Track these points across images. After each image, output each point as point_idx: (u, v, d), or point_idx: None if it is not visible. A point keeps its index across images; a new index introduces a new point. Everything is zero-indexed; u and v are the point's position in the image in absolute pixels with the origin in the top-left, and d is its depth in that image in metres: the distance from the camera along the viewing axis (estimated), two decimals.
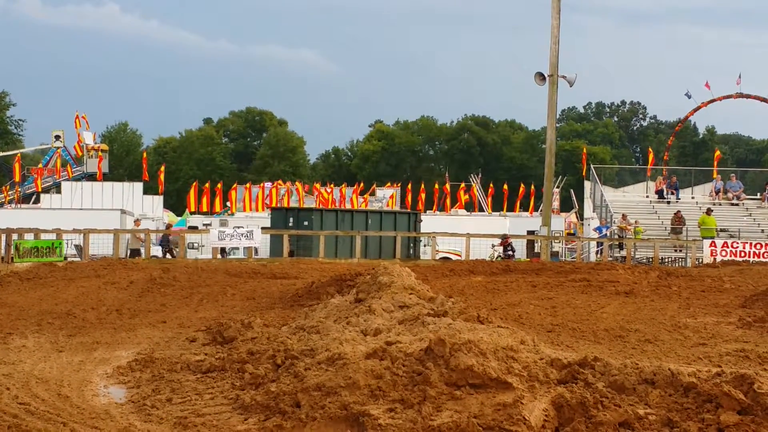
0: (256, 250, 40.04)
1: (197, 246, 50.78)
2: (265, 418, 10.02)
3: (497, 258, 41.65)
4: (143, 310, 21.91)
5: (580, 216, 62.53)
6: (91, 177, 73.07)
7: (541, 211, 48.55)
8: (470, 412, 9.06)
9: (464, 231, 42.04)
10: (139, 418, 10.56)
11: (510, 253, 42.58)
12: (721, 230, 45.59)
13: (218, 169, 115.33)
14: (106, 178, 73.72)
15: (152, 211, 65.05)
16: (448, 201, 77.87)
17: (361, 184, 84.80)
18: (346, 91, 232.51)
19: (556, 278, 29.08)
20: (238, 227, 41.62)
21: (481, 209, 78.21)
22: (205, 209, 68.13)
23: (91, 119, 79.71)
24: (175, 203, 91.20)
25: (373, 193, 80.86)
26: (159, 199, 68.41)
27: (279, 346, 12.75)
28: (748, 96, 68.17)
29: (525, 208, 76.24)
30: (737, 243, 40.17)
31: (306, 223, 45.79)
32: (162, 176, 69.35)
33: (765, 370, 12.21)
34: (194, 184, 71.94)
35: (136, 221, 46.14)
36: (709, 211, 45.30)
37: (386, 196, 78.91)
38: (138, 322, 19.85)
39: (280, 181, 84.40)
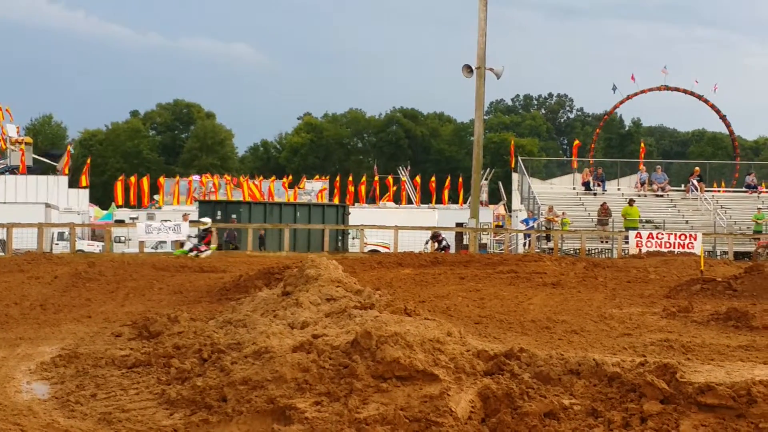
0: (183, 243, 39.75)
1: (124, 240, 50.36)
2: (191, 412, 9.92)
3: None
4: (68, 305, 21.63)
5: (508, 208, 63.04)
6: (14, 170, 71.93)
7: (469, 203, 48.75)
8: (397, 405, 9.04)
9: (393, 223, 42.09)
10: (62, 414, 10.40)
11: (444, 245, 42.61)
12: (647, 221, 46.14)
13: (145, 162, 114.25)
14: (29, 171, 72.58)
15: (77, 204, 64.22)
16: (377, 193, 77.98)
17: (290, 177, 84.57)
18: (275, 83, 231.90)
19: (484, 270, 29.22)
20: (166, 221, 41.33)
21: (409, 202, 78.36)
22: (132, 203, 67.52)
23: (14, 112, 78.43)
24: (102, 197, 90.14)
25: (302, 186, 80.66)
26: (84, 193, 67.52)
27: (205, 340, 12.64)
28: (673, 89, 69.10)
29: (454, 200, 76.56)
30: (662, 234, 40.63)
31: (234, 216, 45.60)
32: (87, 169, 68.44)
33: (688, 359, 12.35)
34: (121, 177, 71.26)
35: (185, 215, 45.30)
36: (631, 202, 45.79)
37: (315, 189, 78.80)
38: (62, 317, 19.60)
39: (208, 174, 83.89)
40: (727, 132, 78.17)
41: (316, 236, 44.03)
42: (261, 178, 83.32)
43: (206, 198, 65.21)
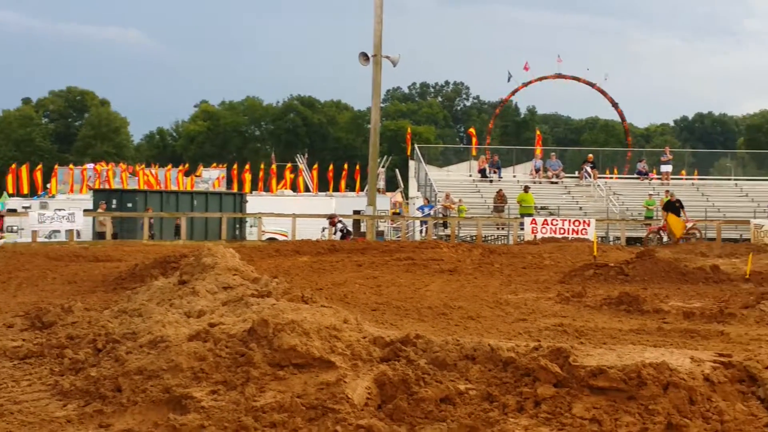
0: (78, 232, 39.15)
1: (16, 229, 49.42)
2: (85, 403, 9.79)
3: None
4: None
5: (405, 195, 63.29)
6: None
7: (366, 190, 48.84)
8: (294, 392, 9.04)
9: (290, 211, 41.99)
10: None
11: (344, 234, 42.44)
12: (542, 208, 46.75)
13: (38, 150, 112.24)
14: None
15: None
16: (274, 181, 77.69)
17: (187, 165, 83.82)
18: (171, 71, 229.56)
19: (381, 257, 29.31)
20: (59, 210, 40.65)
21: (307, 189, 78.22)
22: (24, 191, 66.29)
23: None
24: None
25: (198, 174, 79.99)
26: None
27: (100, 330, 12.47)
28: (566, 77, 70.11)
29: (351, 187, 76.65)
30: (557, 220, 41.20)
31: (130, 204, 45.08)
32: None
33: (581, 343, 12.54)
34: (12, 165, 69.87)
35: (101, 204, 44.12)
36: (526, 189, 46.33)
37: (212, 177, 78.22)
38: None
39: (103, 162, 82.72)
40: (620, 119, 79.64)
41: (214, 225, 43.73)
42: (157, 166, 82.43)
43: (101, 186, 64.30)
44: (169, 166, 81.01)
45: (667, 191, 45.91)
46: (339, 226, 42.23)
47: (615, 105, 73.63)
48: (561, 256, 29.61)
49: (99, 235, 39.74)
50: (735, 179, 56.87)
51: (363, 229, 46.09)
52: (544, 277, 24.56)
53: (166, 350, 10.16)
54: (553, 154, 56.31)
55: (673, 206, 41.12)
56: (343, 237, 41.20)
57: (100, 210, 42.39)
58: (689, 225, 41.93)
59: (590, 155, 55.45)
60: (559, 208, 47.51)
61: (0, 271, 25.67)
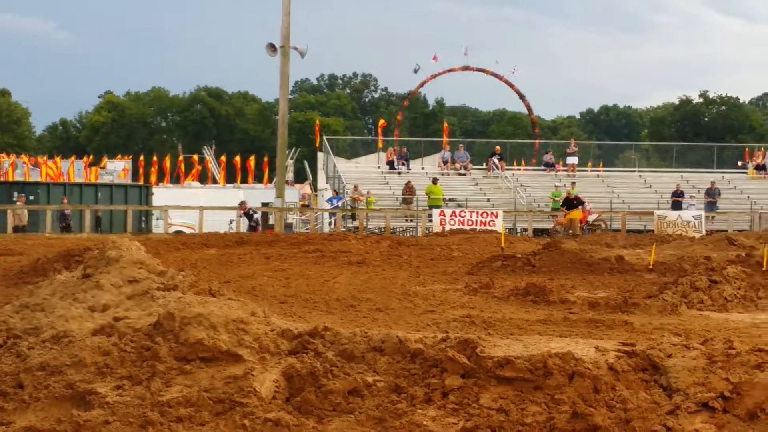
0: None
1: None
2: None
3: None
4: None
5: (314, 187, 63.20)
6: None
7: (275, 182, 48.66)
8: (201, 386, 8.96)
9: (198, 204, 41.66)
10: None
11: (254, 224, 42.16)
12: (450, 200, 47.02)
13: None
14: None
15: None
16: (181, 173, 77.02)
17: (91, 157, 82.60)
18: (75, 60, 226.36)
19: (289, 249, 29.22)
20: None
21: (215, 181, 77.69)
22: None
23: None
24: None
25: (103, 166, 78.92)
26: None
27: (1, 325, 12.23)
28: (474, 69, 70.61)
29: (259, 179, 76.30)
30: (465, 212, 41.48)
31: (32, 197, 44.35)
32: None
33: (489, 334, 12.62)
34: None
35: (20, 198, 42.94)
36: (435, 181, 46.58)
37: (117, 169, 77.21)
38: None
39: (3, 154, 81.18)
40: (527, 112, 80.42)
41: (119, 217, 43.21)
42: (60, 157, 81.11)
43: (2, 179, 63.12)
44: (73, 158, 79.73)
45: (573, 183, 46.55)
46: (255, 216, 41.91)
47: (522, 97, 74.42)
48: (469, 247, 29.81)
49: (16, 229, 38.97)
50: (639, 171, 57.87)
51: (271, 221, 45.90)
52: (453, 268, 24.69)
53: (69, 345, 9.99)
54: (461, 145, 56.70)
55: (572, 203, 41.71)
56: (251, 228, 40.96)
57: (19, 203, 41.57)
58: (594, 216, 42.54)
59: (498, 147, 55.93)
60: (467, 199, 47.85)
61: None
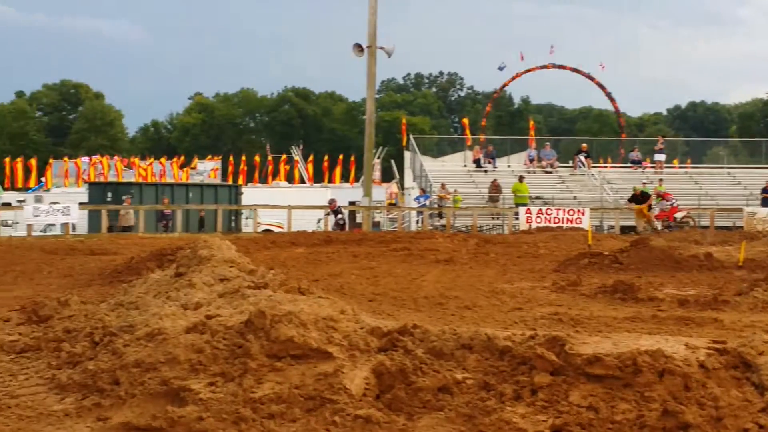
0: (73, 226, 39.14)
1: (11, 223, 49.41)
2: (82, 397, 9.82)
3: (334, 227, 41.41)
4: None
5: (401, 186, 63.24)
6: None
7: (362, 181, 48.85)
8: (291, 383, 9.06)
9: (286, 203, 41.97)
10: None
11: (341, 222, 42.29)
12: (536, 197, 46.78)
13: (32, 143, 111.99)
14: None
15: None
16: (269, 173, 77.60)
17: (182, 158, 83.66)
18: (165, 63, 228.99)
19: (377, 248, 29.32)
20: (55, 203, 40.65)
21: (302, 181, 78.13)
22: (19, 185, 66.18)
23: None
24: None
25: (194, 167, 79.87)
26: None
27: (97, 323, 12.48)
28: (560, 66, 70.08)
29: (346, 179, 76.55)
30: (551, 210, 41.25)
31: (125, 197, 45.05)
32: None
33: (577, 331, 12.57)
34: (7, 159, 69.76)
35: (127, 199, 43.89)
36: (521, 179, 46.38)
37: (207, 170, 78.09)
38: None
39: (98, 156, 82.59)
40: (613, 109, 79.64)
41: (209, 217, 43.72)
42: (152, 158, 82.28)
43: (96, 180, 64.21)
44: (164, 159, 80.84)
45: (661, 180, 46.02)
46: (339, 216, 42.05)
47: (608, 95, 73.66)
48: (556, 245, 29.64)
49: (124, 229, 39.62)
50: (728, 167, 56.92)
51: (359, 219, 46.08)
52: (540, 266, 24.60)
53: (163, 343, 10.17)
54: (548, 143, 56.35)
55: (637, 199, 41.25)
56: (337, 226, 41.14)
57: (125, 203, 42.27)
58: (682, 213, 42.04)
59: (584, 144, 55.48)
60: (554, 197, 47.55)
61: None
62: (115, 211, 42.10)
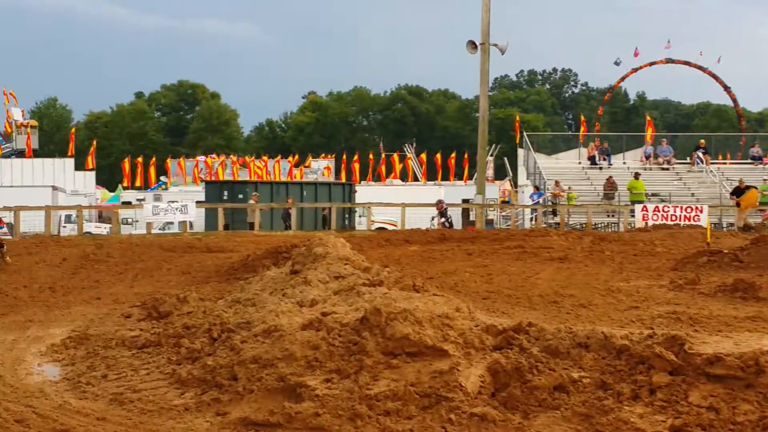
0: (191, 224, 39.81)
1: (131, 221, 50.49)
2: (201, 392, 10.00)
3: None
4: (77, 287, 21.70)
5: (514, 183, 62.93)
6: (20, 154, 72.02)
7: (475, 179, 48.71)
8: (407, 381, 9.10)
9: (399, 201, 42.06)
10: (74, 396, 10.48)
11: (446, 223, 42.24)
12: (653, 195, 46.12)
13: (151, 143, 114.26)
14: (36, 154, 72.65)
15: (84, 187, 64.36)
16: (383, 171, 77.90)
17: (296, 156, 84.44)
18: (279, 62, 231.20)
19: (491, 246, 29.21)
20: (173, 201, 41.40)
21: (415, 179, 78.23)
22: (138, 184, 67.54)
23: (19, 95, 78.49)
24: (108, 179, 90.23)
25: (308, 165, 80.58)
26: (91, 175, 67.63)
27: (215, 319, 12.70)
28: (676, 61, 68.91)
29: (459, 176, 76.46)
30: (668, 207, 40.60)
31: (241, 196, 45.65)
32: (93, 151, 68.41)
33: (696, 331, 12.39)
34: (127, 159, 71.26)
35: (254, 196, 44.78)
36: (637, 176, 45.77)
37: (321, 168, 78.75)
38: (72, 299, 19.68)
39: (214, 155, 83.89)
40: (732, 104, 78.05)
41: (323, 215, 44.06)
42: (267, 157, 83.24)
43: (212, 179, 65.22)
44: (279, 158, 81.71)
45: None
46: (444, 219, 41.98)
47: (727, 89, 72.13)
48: (673, 243, 29.15)
49: (250, 226, 40.18)
50: None
51: (472, 217, 45.96)
52: (656, 264, 24.24)
53: (280, 339, 10.29)
54: (664, 140, 55.49)
55: (741, 191, 40.15)
56: (444, 226, 41.11)
57: (252, 201, 42.87)
58: None
59: (702, 141, 54.53)
60: (671, 194, 46.80)
61: (117, 262, 26.23)
62: (233, 209, 42.67)
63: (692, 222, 38.55)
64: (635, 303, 16.97)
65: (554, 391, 8.76)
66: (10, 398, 10.22)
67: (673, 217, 39.33)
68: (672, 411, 8.19)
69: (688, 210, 39.84)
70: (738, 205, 39.52)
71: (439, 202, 42.49)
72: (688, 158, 53.46)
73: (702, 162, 51.27)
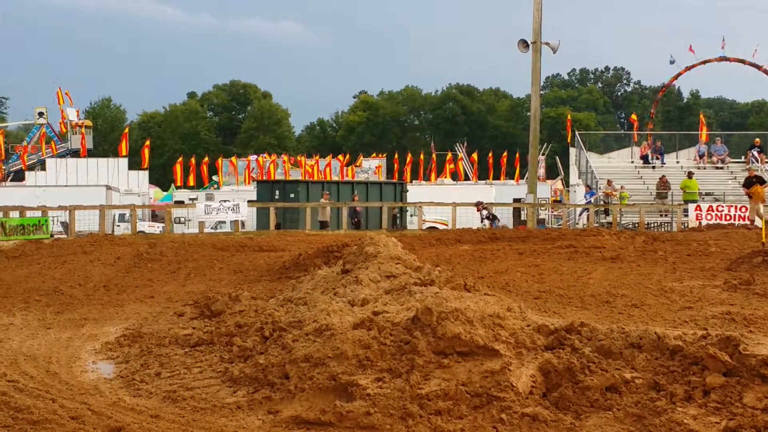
0: (242, 223, 40.00)
1: (184, 220, 50.84)
2: (254, 390, 10.06)
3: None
4: (131, 285, 21.89)
5: (566, 183, 62.62)
6: (75, 153, 72.80)
7: (526, 178, 48.56)
8: (458, 380, 9.10)
9: (450, 200, 42.00)
10: (128, 393, 10.59)
11: (487, 222, 42.07)
12: (707, 194, 45.70)
13: (203, 143, 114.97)
14: (90, 154, 73.40)
15: (138, 186, 64.95)
16: (434, 170, 77.82)
17: (347, 156, 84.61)
18: (330, 62, 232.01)
19: (542, 245, 29.12)
20: (225, 201, 41.61)
21: (467, 178, 78.07)
22: (191, 183, 67.98)
23: (74, 95, 79.31)
24: (161, 178, 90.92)
25: (359, 164, 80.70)
26: (144, 175, 68.23)
27: (266, 318, 12.76)
28: (731, 59, 68.22)
29: (510, 176, 76.20)
30: (722, 206, 40.21)
31: (292, 195, 45.80)
32: (146, 151, 68.90)
33: (751, 332, 12.27)
34: (180, 158, 71.74)
35: (325, 194, 45.09)
36: (690, 175, 45.36)
37: (372, 167, 78.84)
38: (125, 297, 19.86)
39: (266, 154, 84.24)
40: None
41: (374, 214, 44.09)
42: (318, 156, 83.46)
43: (264, 178, 65.51)
44: (330, 157, 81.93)
45: None
46: (484, 213, 41.93)
47: None
48: (727, 242, 28.86)
49: (322, 225, 40.35)
50: None
51: (523, 217, 45.81)
52: (710, 264, 24.02)
53: (331, 338, 10.33)
54: (718, 138, 54.93)
55: (751, 181, 39.51)
56: (492, 223, 41.07)
57: (323, 200, 43.04)
58: None
59: (757, 139, 53.91)
60: (725, 194, 46.34)
61: (170, 261, 26.42)
62: (284, 208, 42.84)
63: (746, 222, 38.14)
64: (689, 303, 16.84)
65: (606, 392, 8.73)
66: (65, 395, 10.35)
67: (728, 217, 38.94)
68: (726, 412, 8.13)
69: (743, 210, 39.43)
70: (750, 197, 39.12)
71: (478, 203, 42.44)
72: (743, 157, 52.92)
73: (757, 161, 50.70)
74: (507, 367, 9.16)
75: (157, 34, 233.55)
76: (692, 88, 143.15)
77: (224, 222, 42.85)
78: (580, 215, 45.90)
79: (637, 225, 40.96)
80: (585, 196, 48.08)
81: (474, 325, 9.86)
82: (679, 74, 71.45)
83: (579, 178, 52.38)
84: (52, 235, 35.59)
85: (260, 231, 38.50)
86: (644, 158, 51.75)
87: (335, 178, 67.82)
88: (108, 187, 56.85)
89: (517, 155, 75.35)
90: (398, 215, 46.73)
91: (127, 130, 77.60)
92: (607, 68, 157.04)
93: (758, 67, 68.60)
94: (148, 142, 72.52)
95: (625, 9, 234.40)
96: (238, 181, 70.89)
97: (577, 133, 55.67)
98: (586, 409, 8.62)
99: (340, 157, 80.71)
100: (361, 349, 9.95)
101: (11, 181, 71.60)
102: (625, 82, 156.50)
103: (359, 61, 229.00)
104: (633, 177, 49.92)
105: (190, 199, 57.11)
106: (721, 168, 51.22)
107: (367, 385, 9.24)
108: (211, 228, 43.09)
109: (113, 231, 43.04)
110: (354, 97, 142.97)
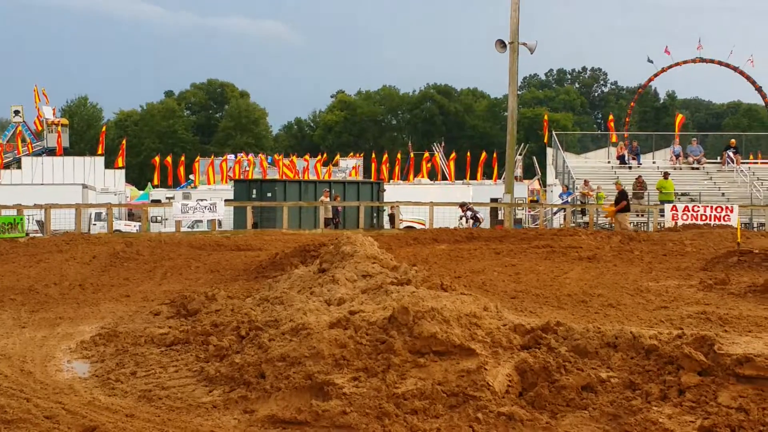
0: (219, 222, 39.92)
1: (161, 219, 50.71)
2: (230, 389, 10.03)
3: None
4: (106, 284, 21.80)
5: (543, 183, 62.76)
6: (51, 152, 72.47)
7: (504, 178, 48.63)
8: (434, 379, 9.10)
9: (427, 200, 42.04)
10: (103, 392, 10.54)
11: (470, 221, 42.30)
12: (682, 194, 45.90)
13: (180, 142, 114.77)
14: (66, 152, 73.08)
15: (114, 185, 64.72)
16: (411, 170, 77.89)
17: (324, 155, 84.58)
18: (308, 61, 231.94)
19: (519, 245, 29.17)
20: (201, 200, 41.52)
21: (444, 178, 78.17)
22: (168, 183, 67.83)
23: (50, 93, 78.95)
24: (138, 177, 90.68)
25: (336, 164, 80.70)
26: (121, 173, 68.02)
27: (243, 317, 12.73)
28: (707, 60, 68.54)
29: (488, 175, 76.37)
30: (698, 207, 40.37)
31: (269, 194, 45.71)
32: (123, 150, 68.71)
33: (726, 331, 12.32)
34: (156, 157, 71.56)
35: (325, 192, 44.88)
36: (666, 175, 45.52)
37: (349, 167, 78.87)
38: (101, 296, 19.76)
39: (243, 153, 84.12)
40: (763, 103, 77.55)
41: (351, 213, 44.08)
42: (295, 156, 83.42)
43: (241, 177, 65.41)
44: (307, 156, 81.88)
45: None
46: (468, 214, 42.15)
47: (759, 89, 71.67)
48: (703, 242, 28.99)
49: (326, 222, 40.27)
50: None
51: (500, 216, 45.90)
52: (686, 264, 24.12)
53: (307, 337, 10.31)
54: (694, 139, 55.18)
55: (618, 198, 38.58)
56: (474, 224, 41.28)
57: (323, 198, 42.95)
58: None
59: (733, 140, 54.20)
60: (701, 194, 46.55)
61: (146, 260, 26.34)
62: (261, 207, 42.79)
63: (722, 222, 38.31)
64: (664, 303, 16.89)
65: (582, 391, 8.74)
66: (39, 394, 10.29)
67: (703, 217, 39.11)
68: (701, 411, 8.16)
69: (719, 210, 39.60)
70: None
71: (463, 204, 42.59)
72: (719, 158, 53.18)
73: (732, 162, 50.96)
74: (483, 366, 9.16)
75: (135, 32, 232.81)
76: (669, 89, 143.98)
77: (201, 221, 42.75)
78: (554, 214, 45.98)
79: (613, 225, 41.10)
80: (561, 196, 48.18)
81: (450, 325, 9.86)
82: (656, 75, 71.75)
83: (556, 178, 52.53)
84: (27, 234, 35.39)
85: (237, 230, 38.44)
86: (621, 158, 51.93)
87: (312, 177, 67.79)
88: (84, 186, 56.62)
89: (495, 155, 75.60)
90: (375, 215, 46.75)
91: (104, 129, 77.28)
92: (584, 69, 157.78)
93: (735, 69, 68.93)
94: (125, 141, 72.30)
95: (603, 10, 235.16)
96: (211, 180, 70.64)
97: (554, 133, 55.80)
98: (562, 408, 8.64)
99: (318, 156, 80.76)
100: (338, 348, 9.93)
101: None
102: (602, 82, 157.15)
103: (337, 61, 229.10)
104: (610, 177, 50.06)
105: (166, 198, 56.93)
106: (697, 168, 51.45)
107: (343, 384, 9.23)
108: (188, 227, 42.99)
109: (89, 230, 42.89)
110: (332, 97, 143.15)
